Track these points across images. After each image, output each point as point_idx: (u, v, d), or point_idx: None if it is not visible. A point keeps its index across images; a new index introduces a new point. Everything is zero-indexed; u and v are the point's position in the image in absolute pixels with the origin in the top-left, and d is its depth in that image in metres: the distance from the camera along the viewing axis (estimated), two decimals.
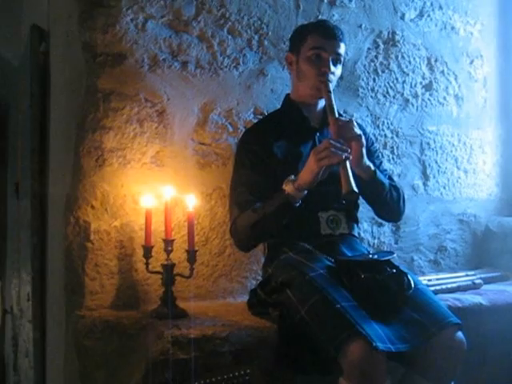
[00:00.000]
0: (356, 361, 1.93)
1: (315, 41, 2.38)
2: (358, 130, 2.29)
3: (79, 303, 2.43)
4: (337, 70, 2.41)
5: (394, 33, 3.03)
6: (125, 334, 2.26)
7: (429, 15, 3.13)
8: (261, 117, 2.73)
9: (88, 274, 2.44)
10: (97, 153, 2.47)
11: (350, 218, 2.50)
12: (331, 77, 2.38)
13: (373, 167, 2.35)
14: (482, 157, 3.26)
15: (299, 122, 2.48)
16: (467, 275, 2.96)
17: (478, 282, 2.86)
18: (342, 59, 2.45)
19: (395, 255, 2.34)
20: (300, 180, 2.22)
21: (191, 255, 2.36)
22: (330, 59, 2.38)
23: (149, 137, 2.55)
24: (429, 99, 3.13)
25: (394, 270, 2.20)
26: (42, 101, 2.88)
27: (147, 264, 2.39)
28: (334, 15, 2.91)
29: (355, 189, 2.12)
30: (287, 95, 2.56)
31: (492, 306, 2.63)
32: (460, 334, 2.14)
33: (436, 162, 3.14)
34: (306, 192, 2.24)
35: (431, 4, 3.16)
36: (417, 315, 2.11)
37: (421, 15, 3.12)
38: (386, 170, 2.53)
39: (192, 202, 2.38)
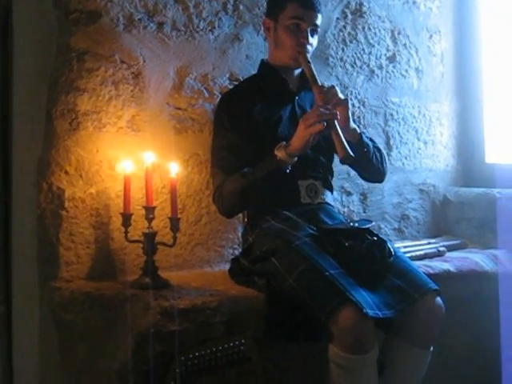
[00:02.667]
0: (347, 327, 1.89)
1: (295, 10, 2.27)
2: (341, 95, 2.21)
3: (54, 274, 2.20)
4: (314, 41, 2.33)
5: (361, 4, 2.91)
6: (107, 305, 2.05)
7: None
8: (236, 83, 2.56)
9: (63, 244, 2.21)
10: (70, 116, 2.23)
11: (326, 186, 2.41)
12: (309, 47, 2.29)
13: (359, 130, 2.27)
14: (439, 129, 3.19)
15: (278, 85, 2.36)
16: (429, 243, 2.92)
17: (442, 249, 2.84)
18: (319, 30, 2.35)
19: (374, 223, 2.28)
20: (292, 146, 2.13)
21: (174, 223, 2.17)
22: (309, 30, 2.28)
23: (124, 100, 2.33)
24: (392, 71, 3.03)
25: (375, 238, 2.14)
26: (3, 60, 2.56)
27: (126, 233, 2.18)
28: None
29: (351, 153, 2.06)
30: (263, 60, 2.43)
31: (459, 273, 2.62)
32: (439, 299, 2.14)
33: (398, 133, 3.05)
34: (296, 158, 2.14)
35: None
36: (399, 282, 2.07)
37: None
38: (364, 133, 2.41)
39: (175, 168, 2.18)
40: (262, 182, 2.15)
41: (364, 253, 2.08)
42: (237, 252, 2.56)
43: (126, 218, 2.17)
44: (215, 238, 2.52)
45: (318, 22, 2.29)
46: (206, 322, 1.94)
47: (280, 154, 2.12)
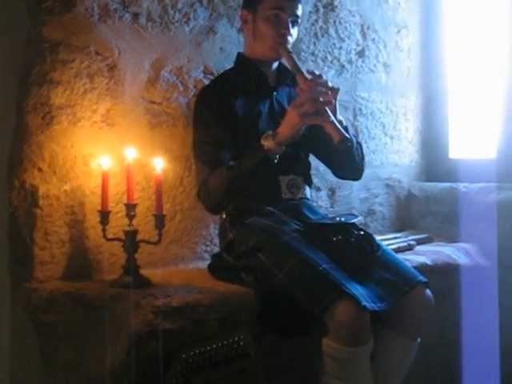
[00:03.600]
0: (344, 320, 1.89)
1: (275, 0, 2.24)
2: (330, 83, 2.18)
3: (28, 275, 2.13)
4: (294, 32, 2.31)
5: None
6: (91, 305, 2.00)
7: None
8: (211, 76, 2.52)
9: (37, 244, 2.13)
10: (43, 109, 2.14)
11: (307, 182, 2.42)
12: (289, 38, 2.27)
13: (344, 122, 2.25)
14: (405, 124, 3.24)
15: (257, 79, 2.34)
16: (396, 237, 2.96)
17: (412, 243, 2.88)
18: (299, 21, 2.33)
19: (360, 218, 2.29)
20: (281, 135, 2.10)
21: (159, 220, 2.12)
22: (289, 20, 2.26)
23: (99, 93, 2.26)
24: (361, 66, 3.05)
25: (362, 232, 2.16)
26: None
27: (104, 231, 2.13)
28: None
29: (347, 135, 2.08)
30: (240, 53, 2.40)
31: (435, 266, 2.66)
32: (428, 291, 2.18)
33: (367, 128, 3.09)
34: (284, 148, 2.13)
35: None
36: (388, 275, 2.10)
37: None
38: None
39: (160, 164, 2.13)
40: (249, 174, 2.13)
41: (353, 247, 2.10)
42: (210, 249, 2.55)
43: (104, 216, 2.12)
44: (189, 235, 2.49)
45: (299, 12, 2.28)
46: (201, 320, 1.91)
47: (268, 143, 2.10)
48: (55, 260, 2.17)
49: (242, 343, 1.95)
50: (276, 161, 2.12)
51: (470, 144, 3.27)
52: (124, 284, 2.06)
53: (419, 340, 2.20)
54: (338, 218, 2.23)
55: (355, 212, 3.03)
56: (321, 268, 1.97)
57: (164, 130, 2.42)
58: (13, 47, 2.19)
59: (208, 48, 2.54)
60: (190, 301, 1.94)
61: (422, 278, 2.15)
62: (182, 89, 2.47)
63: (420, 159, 3.33)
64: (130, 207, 2.12)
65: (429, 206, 3.19)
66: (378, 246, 2.17)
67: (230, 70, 2.42)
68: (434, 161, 3.35)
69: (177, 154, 2.43)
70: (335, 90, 2.15)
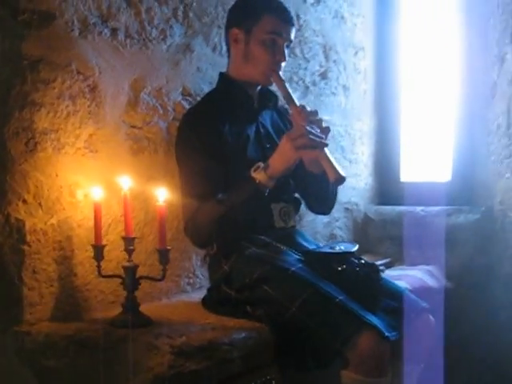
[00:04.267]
0: (367, 352, 1.86)
1: (273, 23, 2.16)
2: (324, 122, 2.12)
3: (17, 318, 1.91)
4: (287, 57, 2.23)
5: (298, 16, 2.87)
6: (96, 348, 1.82)
7: (324, 1, 3.03)
8: (189, 98, 2.41)
9: (26, 284, 1.92)
10: (26, 135, 1.93)
11: (296, 209, 2.36)
12: (282, 65, 2.21)
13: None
14: (361, 147, 3.27)
15: (244, 102, 2.25)
16: None
17: (382, 268, 2.87)
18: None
19: (357, 246, 2.24)
20: (273, 168, 2.03)
21: (163, 255, 1.97)
22: (285, 46, 2.19)
23: (82, 117, 2.07)
24: (324, 88, 3.05)
25: (363, 261, 2.13)
26: None
27: (99, 267, 1.96)
28: None
29: (343, 174, 2.03)
30: (223, 74, 2.29)
31: (414, 289, 2.60)
32: (431, 317, 2.19)
33: (329, 151, 3.07)
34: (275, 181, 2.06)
35: None
36: (394, 303, 2.07)
37: (318, 0, 3.00)
38: None
39: (163, 195, 1.98)
40: (240, 208, 2.05)
41: (360, 276, 2.06)
42: (192, 281, 2.45)
43: (99, 251, 1.96)
44: (173, 268, 2.32)
45: (293, 36, 2.22)
46: (226, 359, 1.79)
47: (260, 176, 2.02)
48: (44, 300, 1.96)
49: (273, 382, 1.84)
50: (266, 194, 2.06)
51: (422, 167, 3.34)
52: (125, 323, 1.89)
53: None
54: (337, 247, 2.18)
55: (319, 237, 3.03)
56: (338, 300, 1.92)
57: (146, 156, 2.28)
58: None
59: (186, 67, 2.43)
60: (211, 339, 1.81)
61: (424, 304, 2.16)
62: (161, 112, 2.33)
63: (373, 182, 3.37)
64: (129, 241, 1.96)
65: (387, 230, 3.23)
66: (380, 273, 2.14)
67: (214, 91, 2.31)
68: (385, 184, 3.41)
69: (158, 183, 2.27)
70: (328, 129, 2.10)
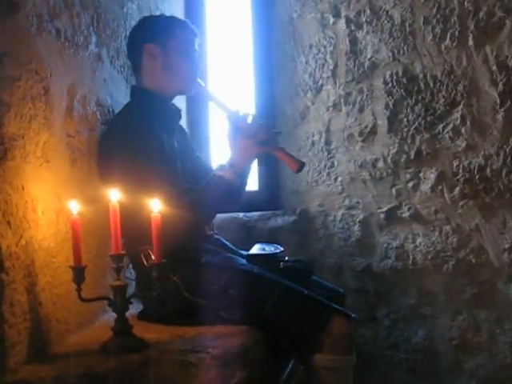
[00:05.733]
0: (342, 333, 1.87)
1: (185, 36, 2.09)
2: None
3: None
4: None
5: None
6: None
7: None
8: (101, 108, 2.03)
9: (7, 321, 1.38)
10: None
11: None
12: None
13: None
14: None
15: (167, 112, 2.10)
16: None
17: None
18: None
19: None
20: (238, 166, 1.96)
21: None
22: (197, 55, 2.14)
23: (39, 122, 1.63)
24: None
25: (292, 258, 2.19)
26: None
27: (79, 290, 1.54)
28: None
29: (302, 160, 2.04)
30: (139, 87, 2.08)
31: None
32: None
33: None
34: None
35: None
36: (322, 291, 2.12)
37: None
38: None
39: (157, 206, 1.62)
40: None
41: (303, 269, 2.11)
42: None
43: (79, 273, 1.55)
44: (94, 288, 1.91)
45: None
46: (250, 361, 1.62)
47: (228, 174, 1.92)
48: (21, 339, 1.46)
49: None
50: None
51: None
52: (120, 349, 1.55)
53: None
54: (266, 248, 2.17)
55: None
56: (306, 293, 1.92)
57: (79, 167, 1.85)
58: None
59: (99, 78, 2.06)
60: (235, 345, 1.63)
61: (341, 290, 2.24)
62: (86, 121, 1.91)
63: None
64: (117, 259, 1.57)
65: None
66: None
67: (134, 104, 2.03)
68: None
69: (94, 197, 1.85)
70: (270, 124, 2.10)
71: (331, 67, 2.83)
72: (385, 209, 2.71)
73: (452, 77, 2.33)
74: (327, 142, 2.94)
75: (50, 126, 1.68)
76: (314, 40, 2.91)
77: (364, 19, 2.64)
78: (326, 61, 2.86)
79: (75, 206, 1.58)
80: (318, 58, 2.90)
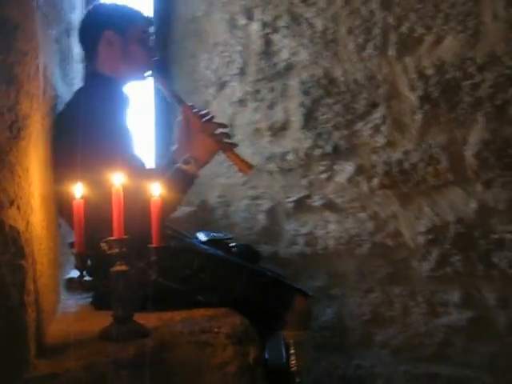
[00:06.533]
0: (302, 310, 2.03)
1: (142, 25, 2.11)
2: None
3: (23, 363, 1.27)
4: None
5: None
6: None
7: None
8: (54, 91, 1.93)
9: (28, 311, 1.28)
10: (10, 117, 1.30)
11: None
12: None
13: None
14: None
15: (122, 97, 2.08)
16: None
17: None
18: None
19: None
20: (199, 161, 1.99)
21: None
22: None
23: (37, 102, 1.48)
24: None
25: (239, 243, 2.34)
26: None
27: (81, 277, 1.47)
28: None
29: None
30: (92, 71, 2.09)
31: None
32: None
33: None
34: None
35: None
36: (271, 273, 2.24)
37: None
38: None
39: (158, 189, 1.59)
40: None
41: (252, 253, 2.29)
42: None
43: (82, 260, 1.47)
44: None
45: None
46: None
47: (191, 169, 1.95)
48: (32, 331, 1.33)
49: None
50: None
51: None
52: (124, 335, 1.50)
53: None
54: (215, 234, 2.28)
55: None
56: (270, 274, 2.05)
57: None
58: None
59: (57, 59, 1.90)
60: (238, 323, 1.69)
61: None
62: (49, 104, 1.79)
63: None
64: (120, 243, 1.52)
65: None
66: None
67: (91, 88, 2.00)
68: None
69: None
70: (224, 124, 2.17)
71: (239, 65, 2.87)
72: (293, 198, 2.78)
73: (373, 81, 2.49)
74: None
75: (41, 106, 1.57)
76: (220, 39, 2.93)
77: (282, 24, 2.71)
78: (232, 59, 2.88)
79: (79, 189, 1.51)
80: (223, 56, 2.93)
